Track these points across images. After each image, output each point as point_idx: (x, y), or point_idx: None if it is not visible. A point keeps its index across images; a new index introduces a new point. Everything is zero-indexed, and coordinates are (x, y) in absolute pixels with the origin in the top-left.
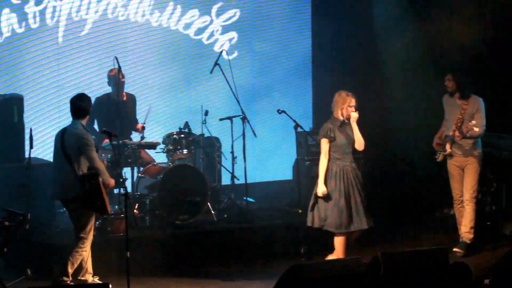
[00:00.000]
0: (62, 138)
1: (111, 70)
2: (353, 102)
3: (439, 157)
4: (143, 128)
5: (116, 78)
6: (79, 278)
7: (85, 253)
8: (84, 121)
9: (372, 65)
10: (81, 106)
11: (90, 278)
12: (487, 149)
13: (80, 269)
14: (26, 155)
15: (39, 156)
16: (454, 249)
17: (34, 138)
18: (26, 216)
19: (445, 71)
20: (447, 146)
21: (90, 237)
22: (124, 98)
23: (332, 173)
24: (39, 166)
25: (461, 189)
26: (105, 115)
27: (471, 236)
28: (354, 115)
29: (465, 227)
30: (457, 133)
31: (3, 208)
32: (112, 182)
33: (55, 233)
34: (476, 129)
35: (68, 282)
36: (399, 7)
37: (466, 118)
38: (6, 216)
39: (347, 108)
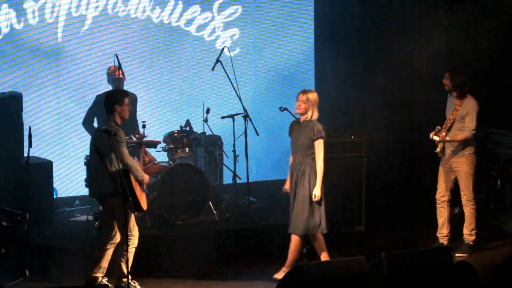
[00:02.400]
0: (95, 136)
1: (110, 68)
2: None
3: (439, 154)
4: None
5: (115, 76)
6: (89, 273)
7: (134, 249)
8: (115, 118)
9: (376, 63)
10: (106, 101)
11: (100, 278)
12: (491, 147)
13: (95, 264)
14: (25, 154)
15: (38, 155)
16: (457, 254)
17: (33, 136)
18: (24, 216)
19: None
20: (439, 146)
21: (136, 233)
22: None
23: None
24: (38, 165)
25: (444, 188)
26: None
27: (473, 238)
28: None
29: (467, 229)
30: (434, 134)
31: (1, 208)
32: (146, 178)
33: (54, 234)
34: (436, 137)
35: (126, 281)
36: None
37: (457, 119)
38: (4, 216)
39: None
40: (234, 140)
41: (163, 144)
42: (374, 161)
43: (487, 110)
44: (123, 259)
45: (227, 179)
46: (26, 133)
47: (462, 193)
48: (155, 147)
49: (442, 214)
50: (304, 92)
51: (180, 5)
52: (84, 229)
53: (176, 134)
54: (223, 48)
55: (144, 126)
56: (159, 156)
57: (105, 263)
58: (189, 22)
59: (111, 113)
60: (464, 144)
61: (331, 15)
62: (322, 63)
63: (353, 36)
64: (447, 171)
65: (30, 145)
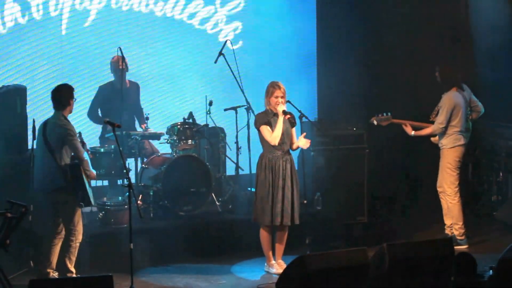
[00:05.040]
0: (44, 131)
1: (114, 57)
2: (277, 92)
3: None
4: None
5: (118, 66)
6: (40, 269)
7: (78, 244)
8: (65, 112)
9: (378, 54)
10: (56, 97)
11: (52, 273)
12: (493, 139)
13: (45, 260)
14: (29, 146)
15: None
16: (456, 248)
17: (37, 129)
18: (29, 207)
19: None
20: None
21: (80, 228)
22: (128, 86)
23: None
24: None
25: (440, 179)
26: (108, 103)
27: (461, 231)
28: (280, 108)
29: (455, 225)
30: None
31: (6, 200)
32: (93, 174)
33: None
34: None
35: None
36: None
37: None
38: (9, 208)
39: (272, 99)
40: (237, 132)
41: (166, 136)
42: (376, 152)
43: (490, 103)
44: (66, 254)
45: (230, 170)
46: (30, 125)
47: (443, 185)
48: (158, 139)
49: (442, 205)
50: (279, 86)
51: None
52: (88, 221)
53: (179, 126)
54: (226, 41)
55: (147, 118)
56: (162, 148)
57: (54, 257)
58: (192, 15)
59: (63, 108)
60: (443, 138)
61: (334, 7)
62: (325, 55)
63: (356, 28)
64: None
65: (34, 138)
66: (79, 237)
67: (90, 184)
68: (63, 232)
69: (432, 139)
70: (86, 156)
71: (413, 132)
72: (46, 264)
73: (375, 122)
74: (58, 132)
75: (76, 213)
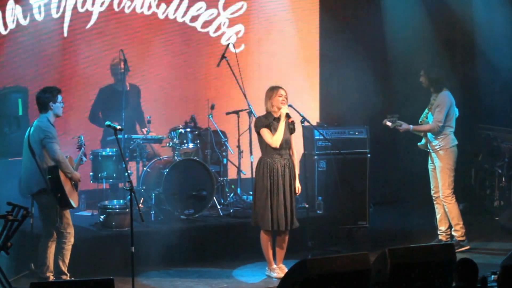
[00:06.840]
0: (29, 133)
1: (114, 60)
2: (280, 92)
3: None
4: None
5: (118, 69)
6: (39, 274)
7: (71, 247)
8: (50, 115)
9: (380, 59)
10: (39, 99)
11: (51, 276)
12: (496, 144)
13: (42, 265)
14: None
15: None
16: (456, 251)
17: None
18: (30, 210)
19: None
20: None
21: (71, 230)
22: (128, 89)
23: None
24: None
25: (435, 184)
26: (108, 106)
27: (459, 233)
28: (283, 110)
29: (457, 225)
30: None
31: (7, 202)
32: (76, 175)
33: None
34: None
35: (67, 278)
36: None
37: (432, 112)
38: (10, 210)
39: (276, 99)
40: (239, 136)
41: (168, 140)
42: (378, 157)
43: (493, 108)
44: (60, 257)
45: (232, 174)
46: None
47: (440, 188)
48: (160, 142)
49: (438, 210)
50: (281, 87)
51: (186, 1)
52: (89, 223)
53: (181, 130)
54: (228, 45)
55: (149, 122)
56: (164, 151)
57: (50, 261)
58: (194, 19)
59: (45, 111)
60: (439, 139)
61: (337, 11)
62: (327, 59)
63: (358, 31)
64: (431, 166)
65: None
66: (71, 239)
67: (74, 186)
68: (55, 235)
69: (420, 145)
70: (76, 159)
71: (411, 126)
72: (44, 268)
73: (388, 123)
74: (37, 134)
75: (64, 216)
